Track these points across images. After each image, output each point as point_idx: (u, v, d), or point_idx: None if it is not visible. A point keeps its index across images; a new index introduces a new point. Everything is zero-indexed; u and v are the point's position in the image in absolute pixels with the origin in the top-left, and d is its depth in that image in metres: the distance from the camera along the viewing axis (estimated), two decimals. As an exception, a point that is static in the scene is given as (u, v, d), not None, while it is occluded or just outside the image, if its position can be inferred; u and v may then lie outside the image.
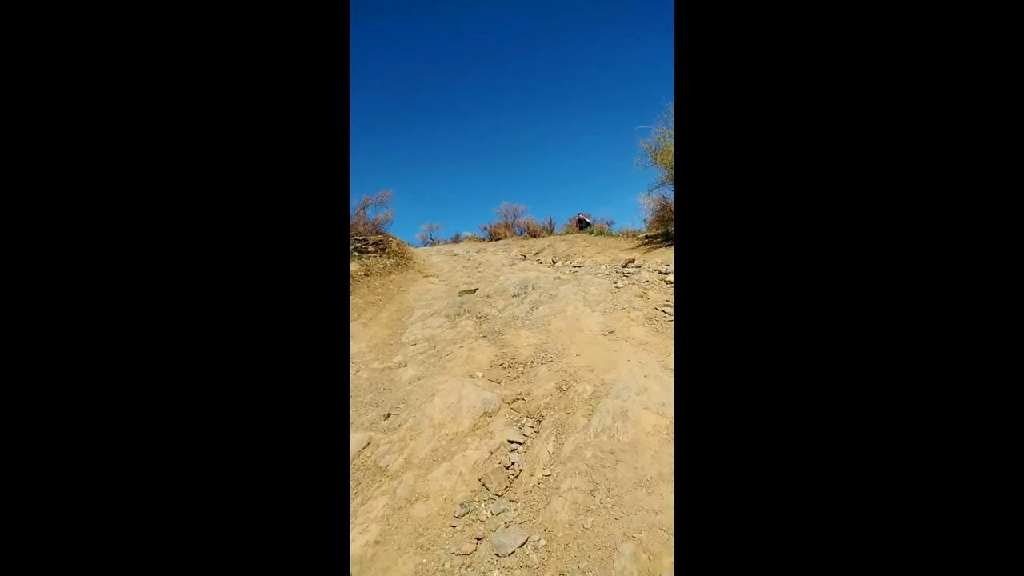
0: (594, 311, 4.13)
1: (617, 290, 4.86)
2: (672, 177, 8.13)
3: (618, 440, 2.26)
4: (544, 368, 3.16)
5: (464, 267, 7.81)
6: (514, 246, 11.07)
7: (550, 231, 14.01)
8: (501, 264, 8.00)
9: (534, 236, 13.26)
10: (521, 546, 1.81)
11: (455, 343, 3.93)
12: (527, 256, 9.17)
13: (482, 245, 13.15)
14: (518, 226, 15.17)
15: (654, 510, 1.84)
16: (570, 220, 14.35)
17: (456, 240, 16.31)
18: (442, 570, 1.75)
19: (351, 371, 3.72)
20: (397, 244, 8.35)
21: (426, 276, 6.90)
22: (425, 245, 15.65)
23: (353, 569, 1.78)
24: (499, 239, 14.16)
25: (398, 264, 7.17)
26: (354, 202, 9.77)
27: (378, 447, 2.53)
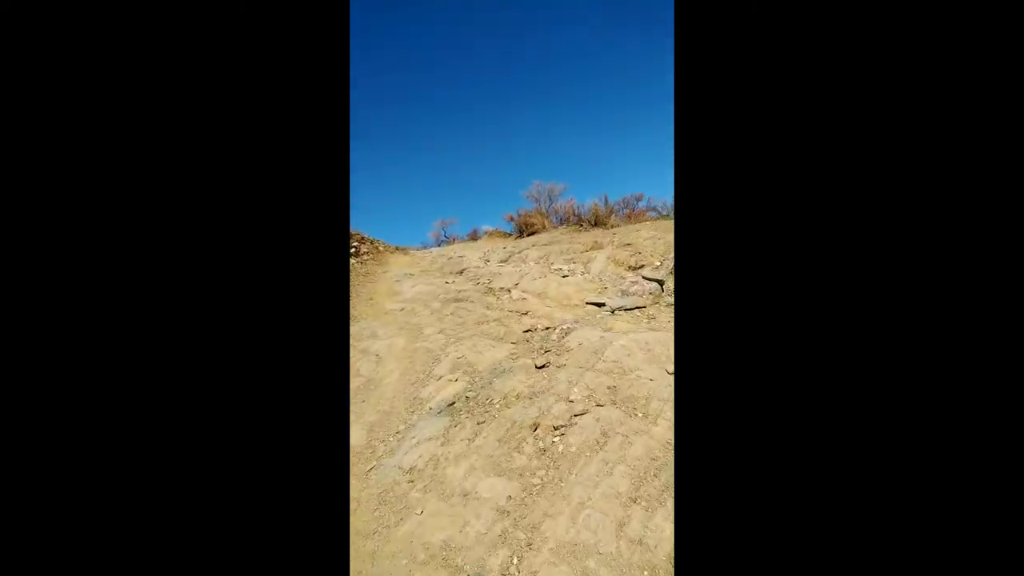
0: None
1: None
2: None
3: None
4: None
5: (465, 407, 2.40)
6: (575, 249, 5.58)
7: (608, 217, 8.46)
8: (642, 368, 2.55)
9: (596, 224, 7.78)
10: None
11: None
12: (658, 286, 3.60)
13: (510, 246, 7.77)
14: (556, 213, 9.79)
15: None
16: (627, 204, 8.66)
17: (474, 237, 11.23)
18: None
19: None
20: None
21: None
22: (439, 244, 11.83)
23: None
24: (533, 232, 8.86)
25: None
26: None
27: None
